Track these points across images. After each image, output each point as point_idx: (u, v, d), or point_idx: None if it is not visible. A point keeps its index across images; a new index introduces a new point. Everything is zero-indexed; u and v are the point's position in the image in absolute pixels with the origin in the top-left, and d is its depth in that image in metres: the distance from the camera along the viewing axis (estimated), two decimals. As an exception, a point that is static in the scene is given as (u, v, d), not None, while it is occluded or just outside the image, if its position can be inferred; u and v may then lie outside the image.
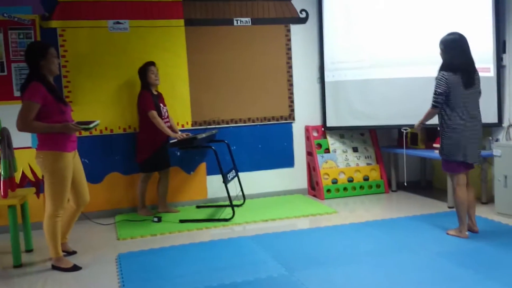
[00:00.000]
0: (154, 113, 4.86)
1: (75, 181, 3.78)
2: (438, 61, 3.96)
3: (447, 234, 4.04)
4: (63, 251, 3.84)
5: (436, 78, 3.88)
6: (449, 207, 4.95)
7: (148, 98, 4.93)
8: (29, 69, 3.58)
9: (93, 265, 3.77)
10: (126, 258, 3.85)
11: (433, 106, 3.88)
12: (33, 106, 3.45)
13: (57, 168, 3.53)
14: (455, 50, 3.84)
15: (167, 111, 5.13)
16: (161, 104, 5.06)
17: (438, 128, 4.01)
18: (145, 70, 4.98)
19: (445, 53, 3.89)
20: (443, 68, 3.88)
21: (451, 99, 3.81)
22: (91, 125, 3.65)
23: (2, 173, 3.86)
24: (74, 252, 4.01)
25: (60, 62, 3.66)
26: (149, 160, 5.00)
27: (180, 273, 3.46)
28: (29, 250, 4.19)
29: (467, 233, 3.96)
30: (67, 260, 3.71)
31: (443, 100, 3.82)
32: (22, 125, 3.48)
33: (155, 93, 5.07)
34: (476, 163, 3.94)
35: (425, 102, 4.04)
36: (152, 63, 5.03)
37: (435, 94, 3.85)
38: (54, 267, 3.69)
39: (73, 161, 3.69)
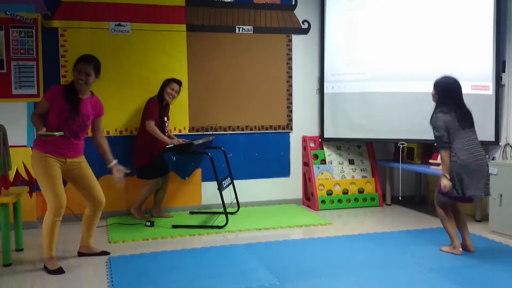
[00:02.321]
0: (151, 123, 4.85)
1: (82, 187, 3.81)
2: (438, 76, 3.97)
3: (441, 250, 4.03)
4: (89, 254, 3.96)
5: (432, 120, 3.86)
6: (443, 224, 4.94)
7: (154, 108, 4.92)
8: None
9: (83, 268, 3.73)
10: (116, 261, 3.82)
11: (442, 148, 3.80)
12: (42, 102, 3.64)
13: (40, 167, 3.59)
14: (449, 94, 3.82)
15: (168, 125, 5.14)
16: (166, 118, 5.06)
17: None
18: (167, 84, 5.01)
19: (437, 95, 3.88)
20: (438, 107, 3.87)
21: (451, 138, 3.78)
22: (41, 132, 3.50)
23: None
24: (105, 253, 4.00)
25: (84, 78, 3.64)
26: (146, 167, 4.98)
27: (171, 279, 3.43)
28: (19, 249, 4.15)
29: (460, 249, 3.95)
30: (55, 262, 3.66)
31: (447, 139, 3.77)
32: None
33: (164, 103, 5.06)
34: (475, 198, 3.86)
35: (424, 117, 4.04)
36: (176, 81, 5.05)
37: (437, 137, 3.80)
38: (44, 267, 3.66)
39: (69, 167, 3.70)
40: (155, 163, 4.98)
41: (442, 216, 3.95)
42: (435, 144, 3.91)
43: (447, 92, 3.84)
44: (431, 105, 3.93)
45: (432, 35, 5.24)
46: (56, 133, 3.51)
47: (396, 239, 4.41)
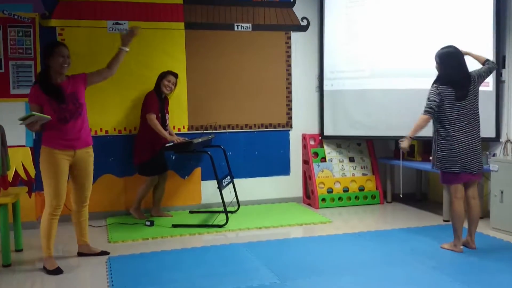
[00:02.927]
0: (153, 116, 4.83)
1: (78, 180, 3.79)
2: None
3: (441, 248, 4.01)
4: (88, 254, 3.94)
5: (430, 88, 3.91)
6: (444, 221, 4.93)
7: (153, 101, 4.90)
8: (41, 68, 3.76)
9: (83, 268, 3.72)
10: (116, 261, 3.80)
11: (426, 112, 3.85)
12: (32, 107, 3.63)
13: (46, 164, 3.60)
14: (450, 63, 3.85)
15: (168, 119, 5.11)
16: (166, 112, 5.05)
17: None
18: (163, 76, 4.99)
19: (440, 66, 3.90)
20: (436, 81, 3.90)
21: (444, 111, 3.82)
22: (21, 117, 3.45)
23: None
24: (104, 253, 3.98)
25: (67, 62, 3.68)
26: (147, 163, 4.96)
27: (170, 279, 3.42)
28: (19, 250, 4.13)
29: (462, 247, 3.93)
30: (53, 261, 3.65)
31: (436, 107, 3.81)
32: None
33: (162, 97, 5.04)
34: (474, 172, 3.87)
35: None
36: (172, 73, 5.03)
37: (428, 100, 3.86)
38: (43, 267, 3.65)
39: (78, 158, 3.70)
40: (157, 159, 4.97)
41: (456, 211, 3.88)
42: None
43: (449, 62, 3.84)
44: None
45: (432, 31, 5.21)
46: (35, 113, 3.44)
47: (397, 237, 4.39)
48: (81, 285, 3.42)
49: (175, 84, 5.06)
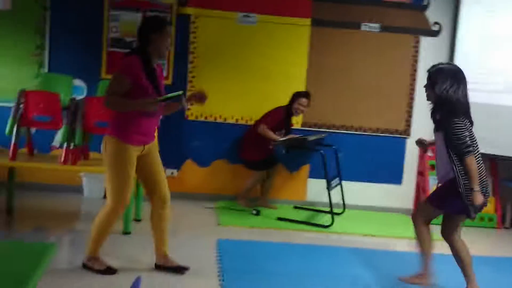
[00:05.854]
0: (263, 127, 4.90)
1: (148, 176, 3.23)
2: None
3: (403, 281, 3.41)
4: (164, 266, 3.32)
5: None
6: None
7: (277, 117, 4.98)
8: (137, 42, 3.11)
9: (193, 246, 3.89)
10: (225, 244, 3.93)
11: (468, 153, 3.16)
12: (120, 79, 2.98)
13: (116, 159, 3.05)
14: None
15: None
16: (284, 129, 5.10)
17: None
18: (296, 99, 5.01)
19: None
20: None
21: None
22: (169, 95, 2.99)
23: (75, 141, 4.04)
24: (182, 269, 3.31)
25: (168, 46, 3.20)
26: (264, 161, 5.05)
27: (275, 271, 3.46)
28: (138, 220, 4.41)
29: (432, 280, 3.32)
30: (102, 261, 3.25)
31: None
32: (104, 99, 3.00)
33: (290, 116, 5.12)
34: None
35: None
36: (305, 95, 5.03)
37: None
38: (86, 266, 3.23)
39: (143, 156, 3.15)
40: (267, 158, 5.07)
41: (424, 236, 3.36)
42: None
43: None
44: None
45: None
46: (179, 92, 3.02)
47: (508, 266, 4.06)
48: (191, 262, 3.52)
49: (307, 106, 5.06)
